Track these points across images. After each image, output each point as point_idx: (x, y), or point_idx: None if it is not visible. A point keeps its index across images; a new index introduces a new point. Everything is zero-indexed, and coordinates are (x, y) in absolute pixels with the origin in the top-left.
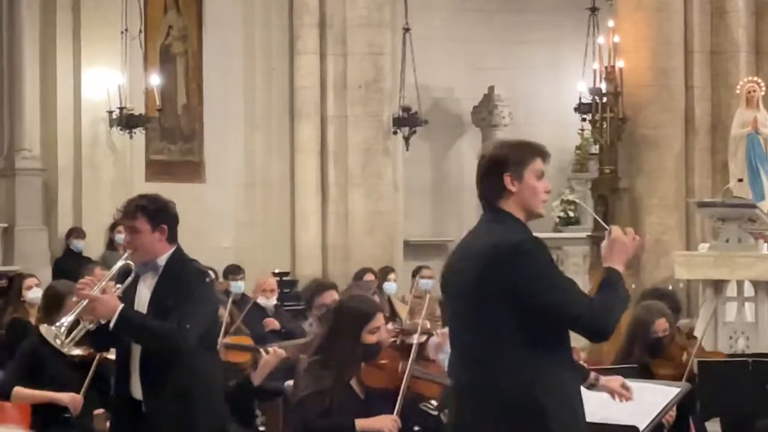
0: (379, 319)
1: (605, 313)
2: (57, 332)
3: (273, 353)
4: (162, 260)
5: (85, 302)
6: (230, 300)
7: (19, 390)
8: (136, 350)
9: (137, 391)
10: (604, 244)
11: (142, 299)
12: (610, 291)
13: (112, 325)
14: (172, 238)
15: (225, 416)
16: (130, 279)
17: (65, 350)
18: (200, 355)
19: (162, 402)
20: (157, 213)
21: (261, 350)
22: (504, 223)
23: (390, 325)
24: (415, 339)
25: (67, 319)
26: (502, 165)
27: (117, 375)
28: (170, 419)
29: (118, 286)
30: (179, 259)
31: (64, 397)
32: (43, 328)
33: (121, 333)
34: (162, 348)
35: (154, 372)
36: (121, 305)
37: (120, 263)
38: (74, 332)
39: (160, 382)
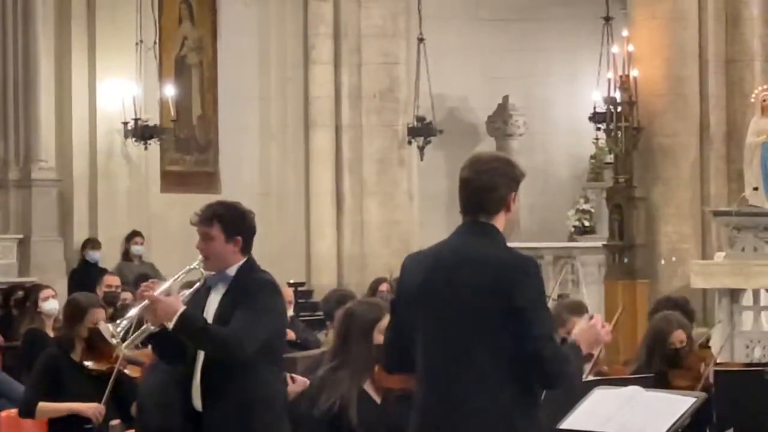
0: (387, 318)
1: (565, 364)
2: (113, 332)
3: (300, 383)
4: (232, 270)
5: (146, 303)
6: None
7: (42, 405)
8: (198, 362)
9: (198, 402)
10: (581, 325)
11: (211, 309)
12: (570, 355)
13: (171, 326)
14: (247, 249)
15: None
16: (198, 285)
17: (121, 351)
18: (262, 368)
19: (222, 414)
20: (233, 224)
21: (288, 377)
22: (498, 240)
23: None
24: None
25: (125, 319)
26: (514, 182)
27: (180, 385)
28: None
29: (186, 291)
30: (250, 269)
31: (87, 409)
32: (102, 326)
33: (180, 335)
34: (220, 355)
35: (215, 384)
36: (183, 307)
37: (189, 267)
38: (136, 334)
39: (220, 394)
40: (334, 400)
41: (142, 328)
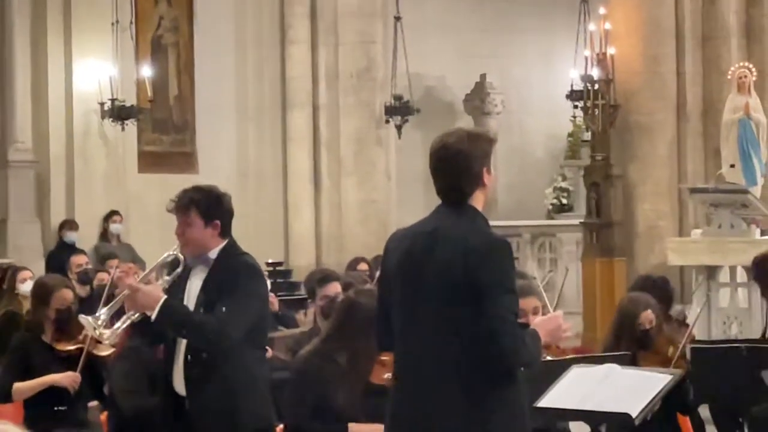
0: None
1: (524, 349)
2: (94, 324)
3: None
4: (213, 253)
5: (126, 292)
6: None
7: (17, 386)
8: (181, 345)
9: (180, 387)
10: (545, 317)
11: (193, 292)
12: (530, 341)
13: (153, 316)
14: (225, 232)
15: (270, 416)
16: (179, 270)
17: (107, 342)
18: (246, 351)
19: (205, 399)
20: (210, 208)
21: None
22: (475, 220)
23: None
24: None
25: (104, 311)
26: (481, 159)
27: (163, 369)
28: (213, 416)
29: (166, 278)
30: (231, 252)
31: (63, 378)
32: (83, 319)
33: (163, 325)
34: (204, 343)
35: (199, 368)
36: (164, 297)
37: (167, 254)
38: (117, 324)
39: (204, 378)
40: (324, 386)
41: (123, 317)
